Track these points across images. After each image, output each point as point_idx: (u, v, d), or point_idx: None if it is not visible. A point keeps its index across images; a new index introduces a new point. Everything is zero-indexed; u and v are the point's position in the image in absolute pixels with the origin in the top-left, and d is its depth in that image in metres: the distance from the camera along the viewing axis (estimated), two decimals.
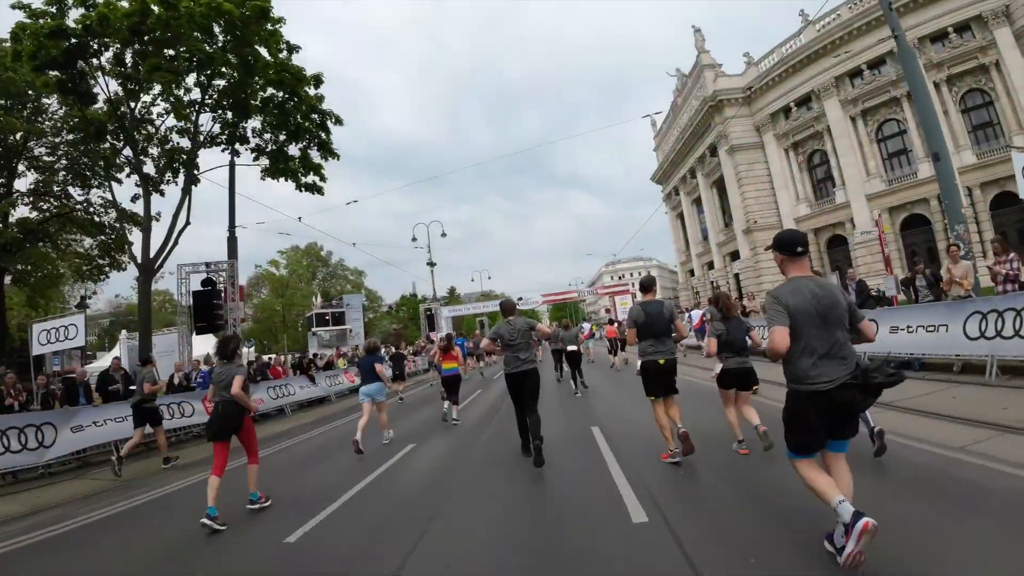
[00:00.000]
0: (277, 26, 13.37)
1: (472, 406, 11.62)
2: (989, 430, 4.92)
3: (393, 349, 19.37)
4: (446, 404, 9.51)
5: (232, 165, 16.40)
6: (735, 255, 39.03)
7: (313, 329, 45.09)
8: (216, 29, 12.77)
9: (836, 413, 2.66)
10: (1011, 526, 3.04)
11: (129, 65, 12.80)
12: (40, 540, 5.32)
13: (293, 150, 15.56)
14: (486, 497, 4.86)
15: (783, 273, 2.96)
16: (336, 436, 10.11)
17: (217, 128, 14.83)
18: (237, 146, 15.43)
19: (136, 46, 12.16)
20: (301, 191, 15.91)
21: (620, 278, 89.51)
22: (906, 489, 3.83)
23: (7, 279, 18.53)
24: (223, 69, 13.32)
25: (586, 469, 5.34)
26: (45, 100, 16.70)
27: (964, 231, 9.12)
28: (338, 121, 15.30)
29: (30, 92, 15.84)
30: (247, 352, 20.69)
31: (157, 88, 14.19)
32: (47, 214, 17.70)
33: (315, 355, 27.36)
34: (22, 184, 17.80)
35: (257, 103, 14.43)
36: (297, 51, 14.06)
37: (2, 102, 15.31)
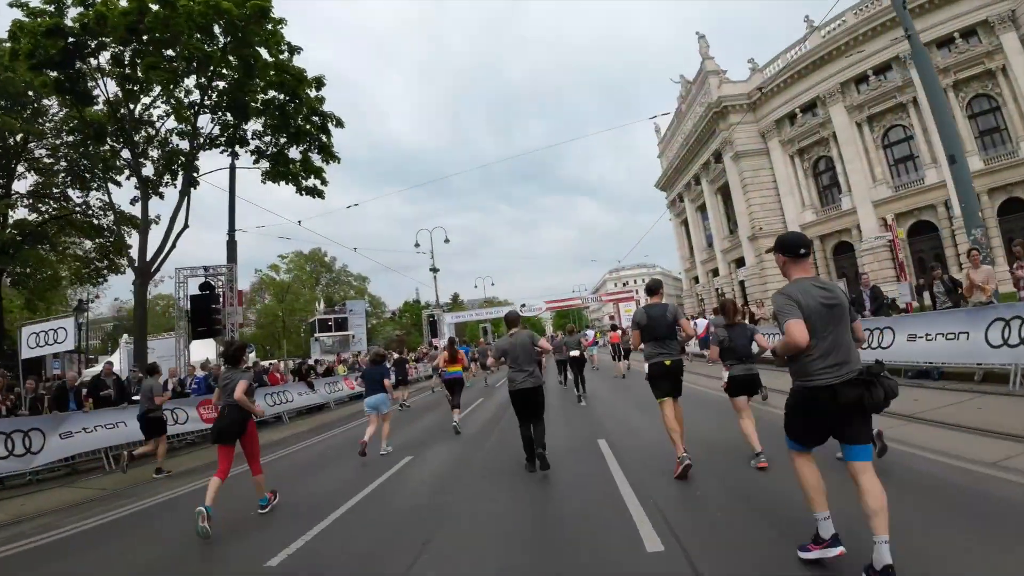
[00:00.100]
0: (278, 27, 13.23)
1: (474, 414, 11.34)
2: (1021, 444, 4.61)
3: (395, 355, 19.15)
4: (455, 413, 9.39)
5: (232, 168, 16.23)
6: (740, 262, 38.72)
7: (316, 334, 44.97)
8: (216, 30, 12.63)
9: (843, 413, 2.63)
10: None
11: (127, 65, 12.64)
12: (16, 552, 5.09)
13: (294, 153, 15.39)
14: (487, 521, 4.47)
15: (785, 276, 2.96)
16: (333, 445, 9.84)
17: (217, 130, 14.66)
18: (237, 148, 15.26)
19: (134, 45, 12.01)
20: (302, 194, 15.75)
21: (624, 285, 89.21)
22: (941, 510, 3.52)
23: (6, 281, 18.41)
24: (223, 70, 13.16)
25: (594, 489, 4.89)
26: (46, 102, 16.62)
27: (982, 235, 8.81)
28: (339, 123, 15.12)
29: (30, 93, 15.76)
30: (248, 358, 20.43)
31: (157, 89, 14.07)
32: (46, 216, 17.57)
33: (316, 361, 27.14)
34: (22, 186, 17.73)
35: (258, 105, 14.27)
36: (298, 52, 13.93)
37: (1, 103, 15.21)
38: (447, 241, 36.42)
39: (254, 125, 14.88)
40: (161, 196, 15.66)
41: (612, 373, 17.01)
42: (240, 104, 13.34)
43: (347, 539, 4.41)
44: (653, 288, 5.34)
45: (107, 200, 16.87)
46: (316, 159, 15.54)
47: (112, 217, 17.15)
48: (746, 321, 7.41)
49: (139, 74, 12.66)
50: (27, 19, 11.69)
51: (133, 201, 15.69)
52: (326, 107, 14.82)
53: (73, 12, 11.53)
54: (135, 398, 9.29)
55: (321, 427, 12.43)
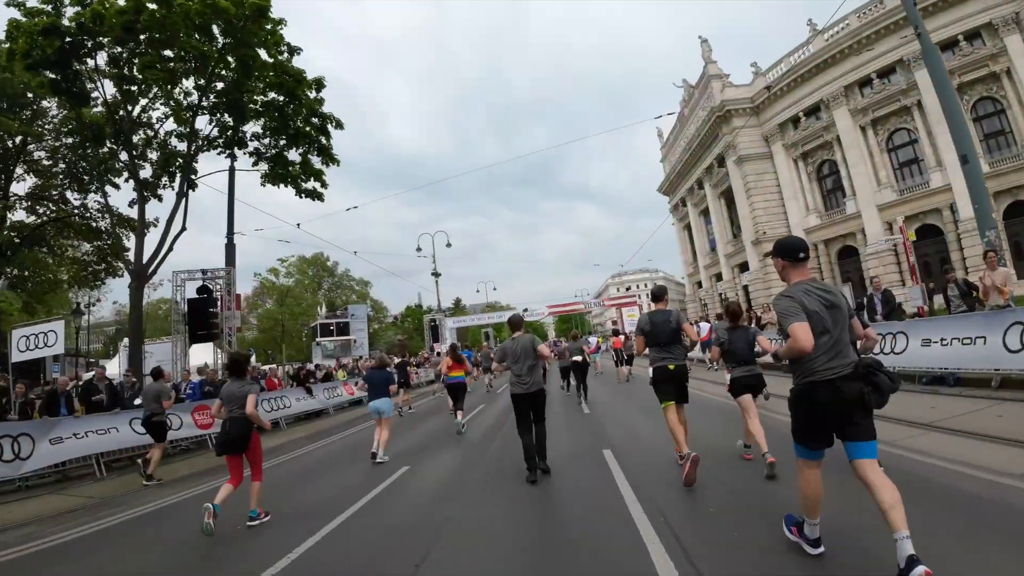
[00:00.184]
0: (278, 27, 13.08)
1: (476, 420, 11.09)
2: None
3: (396, 359, 18.97)
4: (459, 415, 9.54)
5: (232, 170, 16.08)
6: (744, 266, 38.44)
7: (317, 339, 44.74)
8: (215, 31, 12.49)
9: (844, 411, 2.67)
10: None
11: (124, 64, 12.51)
12: None
13: (293, 155, 15.22)
14: (487, 537, 4.21)
15: (784, 280, 3.00)
16: (331, 452, 9.61)
17: (215, 132, 14.50)
18: (235, 150, 15.08)
19: (131, 45, 11.88)
20: (302, 197, 15.57)
21: (627, 289, 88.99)
22: (971, 527, 3.27)
23: (3, 284, 18.27)
24: (220, 71, 13.01)
25: (601, 504, 4.55)
26: (45, 103, 16.52)
27: (995, 236, 8.57)
28: (338, 125, 14.94)
29: (29, 95, 15.66)
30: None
31: (155, 91, 13.95)
32: (44, 218, 17.45)
33: (316, 366, 26.93)
34: (21, 188, 17.61)
35: (257, 107, 14.12)
36: (298, 53, 13.76)
37: None
38: (449, 245, 36.33)
39: (253, 127, 14.76)
40: (159, 199, 15.53)
41: (614, 378, 16.95)
42: (238, 105, 13.17)
43: (344, 550, 4.22)
44: (658, 294, 5.43)
45: (106, 202, 16.75)
46: (316, 161, 15.38)
47: (111, 219, 17.00)
48: (751, 324, 7.30)
49: (136, 74, 12.51)
50: (24, 19, 11.59)
51: (131, 203, 15.58)
52: (327, 109, 14.75)
53: (70, 12, 11.43)
54: (138, 402, 9.18)
55: (318, 434, 12.19)
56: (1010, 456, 4.49)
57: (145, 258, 13.26)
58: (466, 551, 3.92)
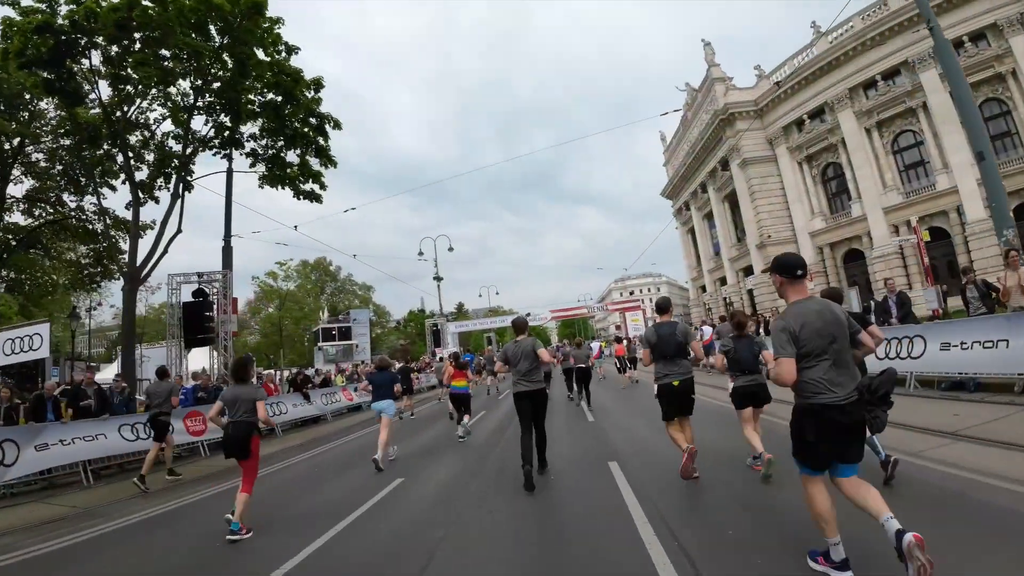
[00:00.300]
0: (275, 26, 12.88)
1: (477, 426, 10.76)
2: None
3: (397, 364, 18.69)
4: (460, 428, 9.34)
5: (229, 172, 15.86)
6: (748, 270, 38.07)
7: (319, 344, 44.51)
8: (213, 30, 12.31)
9: (847, 433, 2.70)
10: None
11: (117, 62, 12.31)
12: None
13: (291, 157, 15.00)
14: (485, 564, 3.90)
15: (781, 296, 3.03)
16: (325, 461, 9.28)
17: (212, 132, 14.28)
18: (232, 151, 14.86)
19: (124, 43, 11.68)
20: (300, 199, 15.32)
21: (630, 294, 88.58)
22: (1005, 545, 2.96)
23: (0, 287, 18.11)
24: (215, 69, 12.80)
25: (609, 528, 4.13)
26: (43, 105, 16.34)
27: (1014, 235, 8.25)
28: (336, 125, 14.70)
29: (26, 96, 15.48)
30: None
31: (152, 91, 13.76)
32: (41, 220, 17.26)
33: (316, 371, 26.64)
34: (19, 190, 17.43)
35: (254, 107, 13.90)
36: (296, 52, 13.54)
37: None
38: (451, 250, 35.96)
39: (251, 128, 14.54)
40: (156, 200, 15.31)
41: (617, 384, 16.78)
42: (234, 104, 12.94)
43: (342, 560, 4.00)
44: (663, 307, 5.45)
45: (100, 204, 16.55)
46: (314, 163, 15.14)
47: (107, 221, 16.80)
48: (760, 331, 7.10)
49: (130, 73, 12.31)
50: (19, 17, 11.42)
51: (128, 206, 15.35)
52: (325, 109, 14.51)
53: (64, 10, 11.24)
54: (149, 402, 9.02)
55: (314, 441, 11.86)
56: None
57: (139, 260, 13.02)
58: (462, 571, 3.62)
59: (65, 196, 17.13)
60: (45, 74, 11.64)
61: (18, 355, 8.93)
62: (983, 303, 7.76)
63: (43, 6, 11.50)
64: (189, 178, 14.53)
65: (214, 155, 14.81)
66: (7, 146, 16.53)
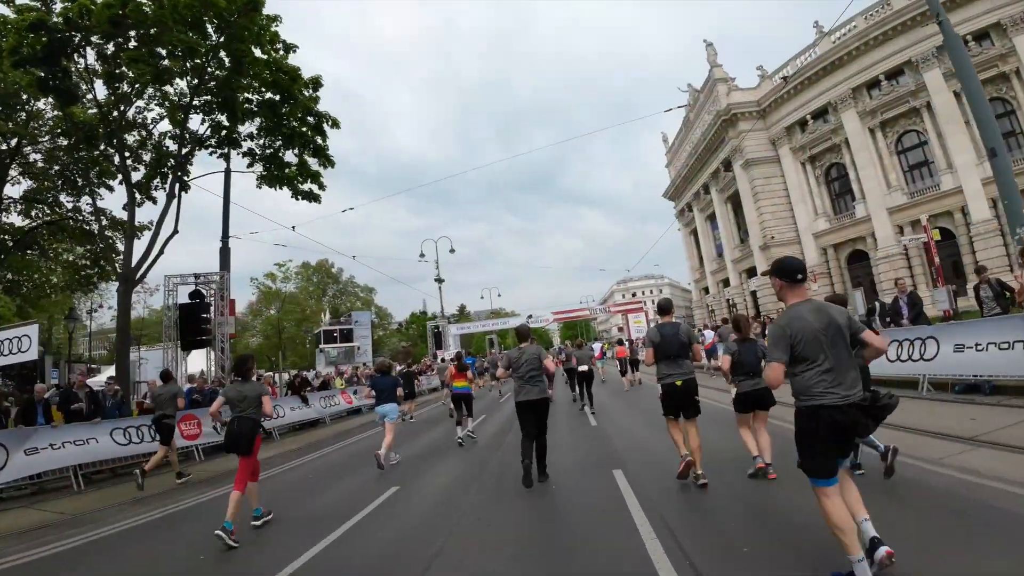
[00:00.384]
0: (273, 24, 12.72)
1: (478, 430, 10.54)
2: None
3: (398, 367, 18.50)
4: (459, 429, 9.35)
5: (227, 172, 15.70)
6: (751, 272, 37.78)
7: (321, 346, 44.30)
8: (210, 28, 12.15)
9: (844, 432, 2.72)
10: None
11: (111, 60, 12.17)
12: None
13: (289, 156, 14.82)
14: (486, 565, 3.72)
15: (781, 299, 3.06)
16: (319, 467, 9.03)
17: (208, 131, 14.10)
18: (229, 151, 14.68)
19: (119, 40, 11.53)
20: (298, 199, 15.12)
21: (632, 296, 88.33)
22: None
23: None
24: (212, 68, 12.63)
25: (613, 542, 3.90)
26: (40, 105, 16.20)
27: None
28: (335, 124, 14.50)
29: (24, 96, 15.33)
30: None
31: (149, 91, 13.60)
32: (37, 221, 17.11)
33: (316, 373, 26.44)
34: (16, 190, 17.28)
35: (252, 106, 13.72)
36: (294, 51, 13.35)
37: None
38: (452, 251, 35.77)
39: (248, 127, 14.36)
40: (154, 201, 15.11)
41: (619, 386, 16.64)
42: (230, 103, 12.76)
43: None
44: (664, 307, 5.49)
45: (99, 205, 16.39)
46: (312, 163, 14.97)
47: (104, 222, 16.62)
48: (764, 334, 7.00)
49: (124, 71, 12.15)
50: (13, 15, 11.28)
51: (125, 206, 15.18)
52: (326, 110, 14.31)
53: (59, 7, 11.10)
54: (154, 405, 9.08)
55: (310, 446, 11.61)
56: None
57: (135, 261, 12.85)
58: None
59: (62, 197, 16.98)
60: (39, 72, 11.48)
61: (6, 357, 8.74)
62: (997, 303, 7.53)
63: (38, 3, 11.36)
64: (186, 178, 14.36)
65: (210, 154, 14.66)
66: (4, 147, 16.40)
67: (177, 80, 13.25)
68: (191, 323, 13.57)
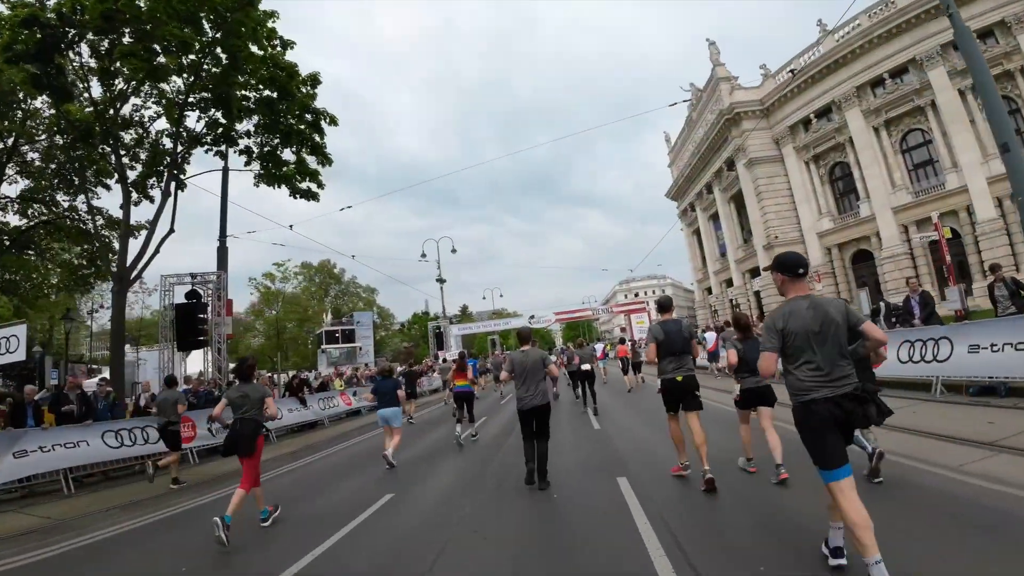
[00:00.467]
0: (270, 20, 12.52)
1: (479, 432, 10.31)
2: None
3: (400, 367, 18.32)
4: (459, 427, 9.33)
5: (225, 170, 15.52)
6: (755, 272, 37.51)
7: (323, 346, 44.19)
8: (206, 25, 11.98)
9: (840, 424, 2.73)
10: None
11: (104, 55, 11.99)
12: None
13: (287, 155, 14.62)
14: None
15: (782, 294, 3.05)
16: (313, 472, 8.79)
17: (204, 129, 13.90)
18: (225, 148, 14.50)
19: (112, 36, 11.36)
20: (296, 197, 14.91)
21: (635, 296, 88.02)
22: None
23: None
24: (206, 63, 12.43)
25: (615, 546, 3.78)
26: (37, 104, 16.05)
27: None
28: (332, 121, 14.29)
29: (20, 94, 15.18)
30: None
31: (145, 87, 13.42)
32: (34, 220, 16.96)
33: (316, 374, 26.25)
34: (13, 190, 17.12)
35: (249, 104, 13.54)
36: (291, 47, 13.15)
37: None
38: (454, 251, 35.68)
39: (246, 125, 14.16)
40: (151, 200, 14.91)
41: (621, 386, 16.47)
42: (226, 99, 12.57)
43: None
44: (665, 305, 5.56)
45: (95, 204, 16.22)
46: (311, 161, 14.78)
47: (100, 221, 16.45)
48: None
49: (118, 66, 11.96)
50: (7, 11, 11.12)
51: (123, 205, 15.00)
52: (327, 109, 14.12)
53: (52, 2, 10.92)
54: (158, 412, 8.91)
55: (307, 448, 11.38)
56: None
57: (130, 261, 12.66)
58: None
59: (58, 196, 16.82)
60: (33, 69, 11.31)
61: None
62: (1012, 302, 7.29)
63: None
64: (182, 176, 14.17)
65: (206, 152, 14.47)
66: (0, 145, 16.26)
67: (174, 78, 13.08)
68: (188, 323, 13.39)
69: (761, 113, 35.54)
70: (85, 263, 17.65)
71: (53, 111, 14.66)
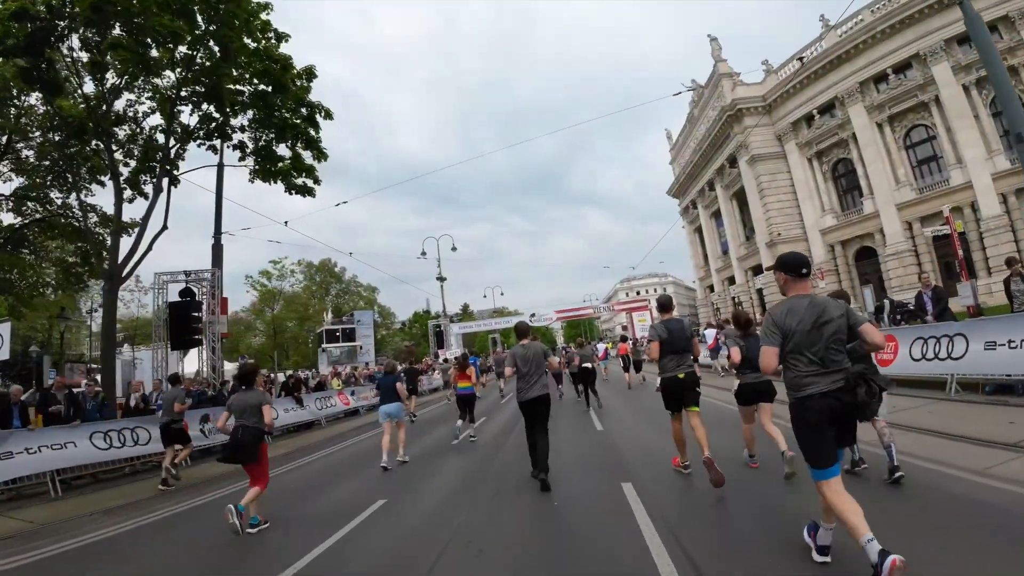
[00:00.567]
0: (263, 12, 12.28)
1: (479, 431, 10.10)
2: None
3: (401, 365, 18.11)
4: (459, 423, 9.43)
5: (220, 165, 15.28)
6: (757, 269, 37.27)
7: (323, 345, 43.98)
8: (200, 19, 11.75)
9: (837, 419, 2.76)
10: None
11: (94, 48, 11.75)
12: None
13: (282, 150, 14.39)
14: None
15: (783, 293, 3.06)
16: (307, 474, 8.54)
17: (197, 123, 13.66)
18: (218, 143, 14.28)
19: (102, 28, 11.12)
20: (292, 193, 14.67)
21: (637, 294, 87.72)
22: None
23: None
24: (200, 57, 12.20)
25: (617, 548, 3.60)
26: (31, 100, 15.82)
27: None
28: (328, 115, 14.04)
29: (14, 90, 14.96)
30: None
31: (139, 81, 13.20)
32: (28, 218, 16.73)
33: (314, 372, 26.03)
34: (7, 187, 16.89)
35: (244, 98, 13.31)
36: (286, 40, 12.93)
37: None
38: (454, 249, 35.51)
39: (240, 120, 13.91)
40: (145, 196, 14.69)
41: (622, 384, 16.36)
42: (218, 91, 12.32)
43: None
44: (666, 304, 5.61)
45: (89, 201, 16.00)
46: (307, 157, 14.55)
47: (94, 219, 16.22)
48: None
49: (109, 59, 11.73)
50: (1, 5, 10.89)
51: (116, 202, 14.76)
52: (326, 107, 13.87)
53: None
54: (157, 409, 9.12)
55: (302, 450, 11.09)
56: None
57: (122, 258, 12.43)
58: None
59: (52, 193, 16.60)
60: (23, 63, 11.08)
61: None
62: None
63: None
64: (175, 172, 13.93)
65: (199, 146, 14.23)
66: None
67: (167, 72, 12.85)
68: (182, 322, 13.13)
69: (763, 109, 35.28)
70: (79, 261, 17.42)
71: (47, 107, 14.45)
